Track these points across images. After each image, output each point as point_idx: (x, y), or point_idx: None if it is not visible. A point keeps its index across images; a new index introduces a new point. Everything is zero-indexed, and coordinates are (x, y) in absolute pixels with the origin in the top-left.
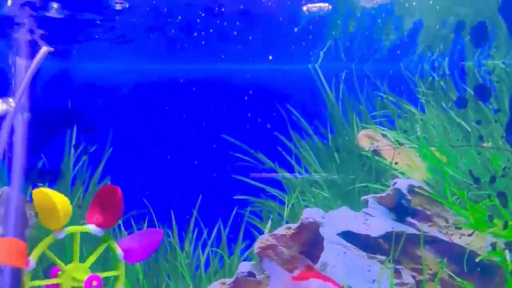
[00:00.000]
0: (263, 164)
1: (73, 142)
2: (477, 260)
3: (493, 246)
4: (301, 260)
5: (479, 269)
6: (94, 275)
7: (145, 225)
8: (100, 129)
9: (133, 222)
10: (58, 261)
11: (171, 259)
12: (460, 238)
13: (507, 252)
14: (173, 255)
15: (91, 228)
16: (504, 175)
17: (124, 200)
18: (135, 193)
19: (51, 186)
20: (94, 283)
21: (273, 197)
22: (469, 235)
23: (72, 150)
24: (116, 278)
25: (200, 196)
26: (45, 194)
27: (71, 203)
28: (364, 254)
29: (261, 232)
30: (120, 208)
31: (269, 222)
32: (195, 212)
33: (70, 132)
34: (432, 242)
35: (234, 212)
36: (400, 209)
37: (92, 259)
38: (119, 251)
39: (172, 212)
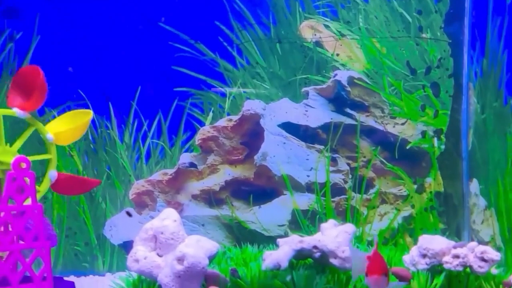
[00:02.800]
0: (204, 55)
1: None
2: (407, 147)
3: (423, 134)
4: (241, 151)
5: (408, 155)
6: (21, 156)
7: None
8: (25, 14)
9: None
10: None
11: (111, 151)
12: (393, 127)
13: (435, 139)
14: (113, 147)
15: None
16: (439, 66)
17: (59, 91)
18: (69, 84)
19: None
20: (23, 165)
21: (215, 89)
22: (402, 124)
23: None
24: (48, 162)
25: (139, 87)
26: None
27: None
28: (303, 144)
29: (202, 124)
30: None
31: (210, 114)
32: (134, 104)
33: None
34: (368, 131)
35: (174, 104)
36: (339, 100)
37: (19, 142)
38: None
39: (110, 103)
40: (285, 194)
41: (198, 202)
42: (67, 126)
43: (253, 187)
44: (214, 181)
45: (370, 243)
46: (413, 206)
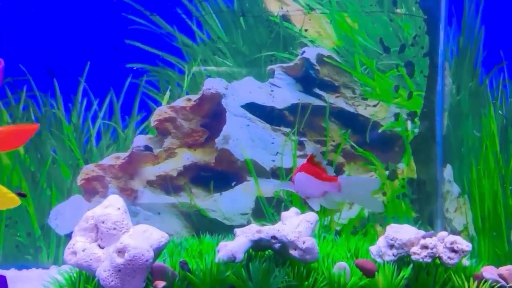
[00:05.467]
0: (160, 28)
1: None
2: (379, 130)
3: (396, 116)
4: (201, 133)
5: (380, 140)
6: None
7: (24, 93)
8: None
9: (9, 92)
10: None
11: (57, 132)
12: (365, 109)
13: (409, 122)
14: (59, 128)
15: None
16: (414, 44)
17: None
18: (9, 57)
19: None
20: None
21: (172, 66)
22: (374, 105)
23: None
24: None
25: (88, 62)
26: None
27: None
28: (268, 126)
29: (158, 104)
30: None
31: (167, 93)
32: (82, 81)
33: None
34: (338, 113)
35: (127, 81)
36: (307, 79)
37: None
38: None
39: (55, 80)
40: (249, 180)
41: (154, 189)
42: None
43: (214, 172)
44: (171, 166)
45: (338, 233)
46: (384, 194)
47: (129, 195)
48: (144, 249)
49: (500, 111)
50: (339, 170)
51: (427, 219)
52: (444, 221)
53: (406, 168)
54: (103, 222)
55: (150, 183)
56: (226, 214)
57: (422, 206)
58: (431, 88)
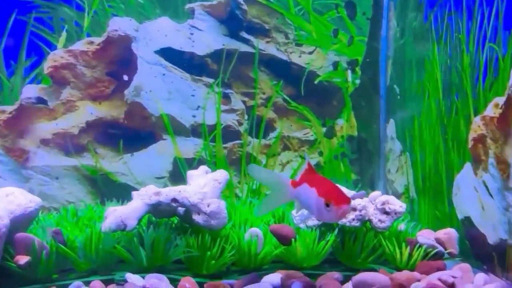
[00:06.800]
0: None
1: None
2: (316, 81)
3: (335, 65)
4: (108, 83)
5: (316, 92)
6: None
7: None
8: None
9: None
10: None
11: None
12: (300, 56)
13: (349, 72)
14: None
15: None
16: None
17: None
18: None
19: None
20: None
21: (69, 1)
22: (310, 53)
23: None
24: None
25: None
26: None
27: None
28: (187, 76)
29: (53, 47)
30: None
31: (64, 34)
32: None
33: None
34: (268, 61)
35: (12, 18)
36: (233, 21)
37: None
38: None
39: None
40: (165, 139)
41: (50, 149)
42: None
43: (124, 130)
44: (71, 122)
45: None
46: (321, 153)
47: (18, 156)
48: None
49: (444, 51)
50: (269, 127)
51: (369, 182)
52: (386, 183)
53: (345, 125)
54: None
55: (44, 143)
56: (138, 178)
57: (363, 167)
58: (374, 33)
